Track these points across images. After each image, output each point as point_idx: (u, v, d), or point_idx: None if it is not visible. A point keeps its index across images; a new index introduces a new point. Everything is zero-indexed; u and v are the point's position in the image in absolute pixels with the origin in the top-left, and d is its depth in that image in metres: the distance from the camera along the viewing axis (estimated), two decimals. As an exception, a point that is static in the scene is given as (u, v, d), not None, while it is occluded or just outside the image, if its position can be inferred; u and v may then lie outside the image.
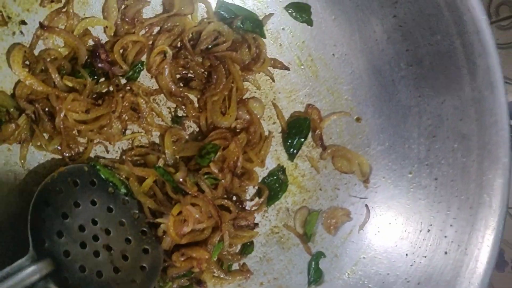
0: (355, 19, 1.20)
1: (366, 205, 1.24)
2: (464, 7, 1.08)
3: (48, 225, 1.02)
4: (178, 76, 1.18)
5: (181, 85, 1.18)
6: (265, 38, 1.21)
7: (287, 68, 1.24)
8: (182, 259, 1.10)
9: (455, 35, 1.10)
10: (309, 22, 1.22)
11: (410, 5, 1.12)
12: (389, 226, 1.22)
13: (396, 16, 1.15)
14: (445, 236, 1.15)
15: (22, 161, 1.08)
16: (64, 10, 1.09)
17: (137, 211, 1.10)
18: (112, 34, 1.14)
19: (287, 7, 1.22)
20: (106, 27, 1.13)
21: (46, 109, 1.07)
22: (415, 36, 1.15)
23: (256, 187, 1.23)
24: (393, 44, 1.18)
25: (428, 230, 1.17)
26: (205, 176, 1.12)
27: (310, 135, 1.25)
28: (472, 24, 1.08)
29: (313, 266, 1.23)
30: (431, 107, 1.17)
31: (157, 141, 1.18)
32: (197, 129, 1.20)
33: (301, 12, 1.22)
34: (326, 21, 1.22)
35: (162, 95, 1.18)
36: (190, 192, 1.09)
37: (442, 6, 1.09)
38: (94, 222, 1.06)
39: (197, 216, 1.07)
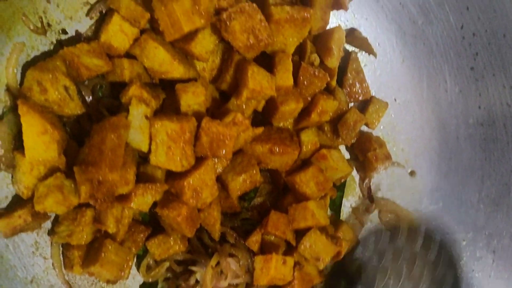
0: (426, 64, 1.09)
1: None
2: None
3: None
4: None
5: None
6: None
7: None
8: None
9: (539, 100, 1.00)
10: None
11: (492, 59, 1.01)
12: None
13: (474, 68, 1.04)
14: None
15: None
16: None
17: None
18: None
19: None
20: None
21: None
22: (491, 93, 1.04)
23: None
24: (465, 98, 1.07)
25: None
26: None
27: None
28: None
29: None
30: (497, 173, 1.07)
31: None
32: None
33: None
34: (393, 62, 1.11)
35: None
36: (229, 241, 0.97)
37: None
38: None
39: (235, 269, 0.96)
